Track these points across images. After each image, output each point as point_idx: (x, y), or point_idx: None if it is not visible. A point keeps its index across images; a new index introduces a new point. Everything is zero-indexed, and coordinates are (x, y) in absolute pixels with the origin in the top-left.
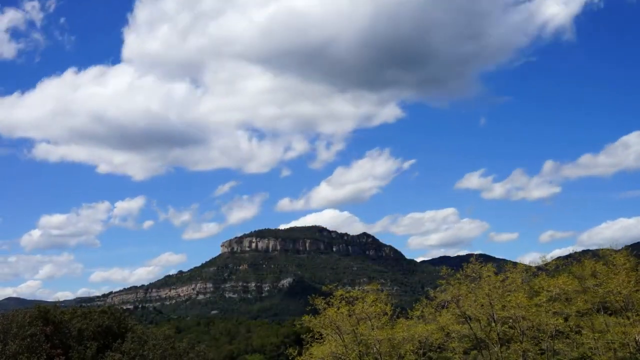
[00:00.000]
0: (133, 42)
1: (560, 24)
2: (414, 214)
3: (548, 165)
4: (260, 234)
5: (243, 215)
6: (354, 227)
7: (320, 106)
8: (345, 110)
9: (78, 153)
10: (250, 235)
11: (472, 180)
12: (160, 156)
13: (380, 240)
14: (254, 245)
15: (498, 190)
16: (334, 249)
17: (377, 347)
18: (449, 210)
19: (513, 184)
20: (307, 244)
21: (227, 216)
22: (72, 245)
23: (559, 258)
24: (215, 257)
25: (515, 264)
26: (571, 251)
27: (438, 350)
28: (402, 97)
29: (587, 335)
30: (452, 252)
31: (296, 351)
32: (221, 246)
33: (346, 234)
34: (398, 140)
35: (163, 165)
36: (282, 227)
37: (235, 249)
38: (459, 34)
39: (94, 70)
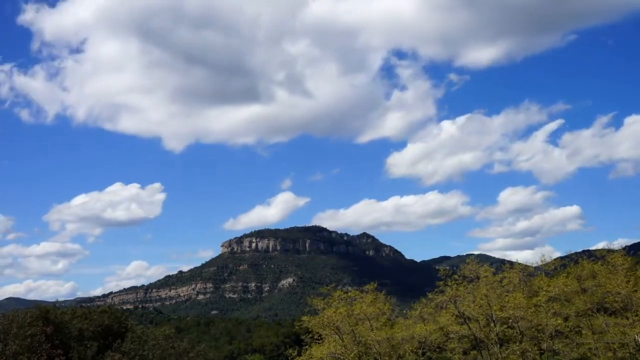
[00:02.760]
0: None
1: None
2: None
3: None
4: (260, 234)
5: None
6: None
7: None
8: None
9: None
10: (250, 235)
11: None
12: None
13: (380, 241)
14: (254, 245)
15: None
16: (334, 249)
17: (377, 347)
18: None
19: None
20: (307, 244)
21: None
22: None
23: (556, 259)
24: (215, 257)
25: (512, 263)
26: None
27: (437, 350)
28: None
29: (587, 336)
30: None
31: (296, 351)
32: (221, 246)
33: (346, 234)
34: None
35: None
36: (282, 227)
37: (235, 249)
38: None
39: None
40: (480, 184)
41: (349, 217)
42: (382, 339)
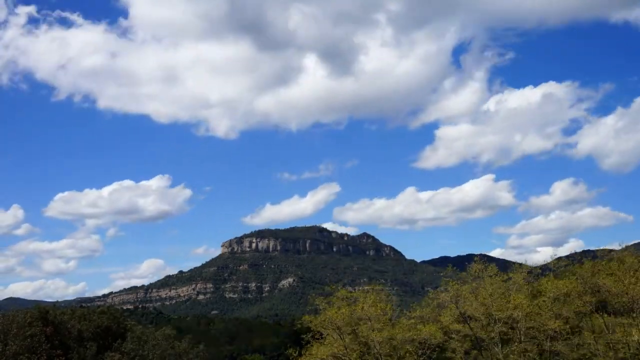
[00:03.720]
0: None
1: None
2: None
3: None
4: (260, 234)
5: None
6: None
7: None
8: None
9: None
10: (251, 235)
11: None
12: None
13: (380, 240)
14: (254, 245)
15: None
16: (334, 249)
17: (378, 348)
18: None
19: None
20: (307, 244)
21: None
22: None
23: (559, 258)
24: (215, 258)
25: (520, 264)
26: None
27: (438, 350)
28: None
29: (587, 336)
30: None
31: (297, 351)
32: (221, 246)
33: (346, 234)
34: None
35: None
36: (282, 227)
37: (235, 249)
38: None
39: None
40: (533, 173)
41: (378, 210)
42: (384, 340)
